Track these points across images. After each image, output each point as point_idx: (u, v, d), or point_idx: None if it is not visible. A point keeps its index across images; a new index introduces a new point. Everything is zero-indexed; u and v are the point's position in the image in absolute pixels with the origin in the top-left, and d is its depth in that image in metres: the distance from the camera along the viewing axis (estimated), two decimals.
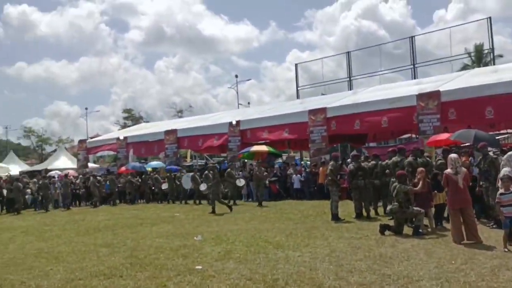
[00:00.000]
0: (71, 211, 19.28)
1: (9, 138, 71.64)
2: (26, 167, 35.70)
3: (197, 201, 18.53)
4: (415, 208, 9.02)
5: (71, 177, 23.48)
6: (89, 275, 6.71)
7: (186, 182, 19.20)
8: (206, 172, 17.77)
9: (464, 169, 8.23)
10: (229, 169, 18.22)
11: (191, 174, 19.45)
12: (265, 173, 18.09)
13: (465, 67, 32.80)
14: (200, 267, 6.85)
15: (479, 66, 31.20)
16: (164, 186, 20.29)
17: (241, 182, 17.81)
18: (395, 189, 9.16)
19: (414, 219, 9.01)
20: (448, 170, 8.22)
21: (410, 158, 10.62)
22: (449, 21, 68.18)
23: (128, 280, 6.34)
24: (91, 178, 21.80)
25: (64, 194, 20.96)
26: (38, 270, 7.28)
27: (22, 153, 62.98)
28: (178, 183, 19.85)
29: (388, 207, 9.60)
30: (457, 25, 32.15)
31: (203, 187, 17.56)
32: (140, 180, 21.71)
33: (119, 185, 21.80)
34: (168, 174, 20.56)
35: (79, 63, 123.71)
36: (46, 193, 20.56)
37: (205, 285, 5.85)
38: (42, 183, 20.64)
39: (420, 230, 8.85)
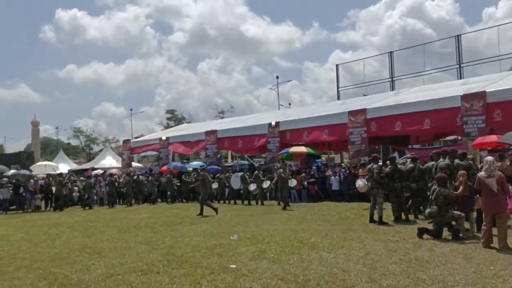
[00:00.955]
0: (115, 209, 19.93)
1: (60, 137, 75.11)
2: (74, 166, 37.24)
3: (247, 201, 18.54)
4: (455, 212, 8.78)
5: (116, 176, 24.27)
6: (128, 271, 6.97)
7: (235, 182, 19.14)
8: (256, 172, 17.86)
9: (498, 173, 7.91)
10: (280, 170, 18.09)
11: (240, 174, 19.43)
12: (303, 174, 17.94)
13: None
14: (234, 266, 6.96)
15: None
16: (214, 185, 20.28)
17: (292, 183, 17.61)
18: (435, 192, 8.96)
19: (454, 223, 8.77)
20: (481, 173, 7.98)
21: (447, 160, 10.34)
22: (499, 19, 65.35)
23: (164, 276, 6.54)
24: (145, 176, 22.41)
25: (108, 193, 21.67)
26: (80, 264, 7.63)
27: (72, 152, 65.85)
28: (227, 183, 19.83)
29: (427, 211, 9.38)
30: (507, 23, 30.76)
31: (252, 187, 17.74)
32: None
33: (177, 184, 22.04)
34: (218, 174, 20.78)
35: (125, 65, 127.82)
36: (90, 192, 21.33)
37: (238, 283, 5.94)
38: (86, 182, 21.35)
39: (460, 235, 8.60)
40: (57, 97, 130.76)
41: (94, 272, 6.97)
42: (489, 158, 8.16)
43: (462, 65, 27.61)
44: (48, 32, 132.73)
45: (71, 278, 6.65)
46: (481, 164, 10.98)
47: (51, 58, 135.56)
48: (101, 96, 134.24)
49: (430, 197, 9.16)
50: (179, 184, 22.05)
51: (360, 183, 15.17)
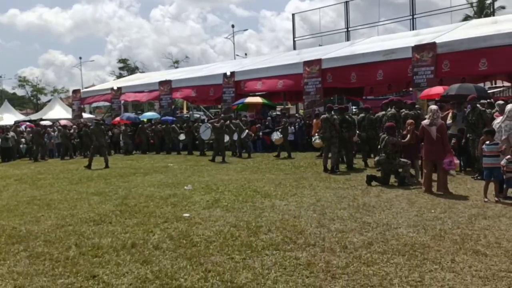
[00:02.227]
0: (65, 161, 19.38)
1: (4, 87, 71.13)
2: (21, 117, 35.58)
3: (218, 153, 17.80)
4: (402, 159, 9.15)
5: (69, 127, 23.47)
6: (79, 221, 6.89)
7: (205, 133, 17.98)
8: (228, 122, 17.55)
9: (440, 121, 8.27)
10: (238, 121, 17.80)
11: (210, 124, 18.13)
12: (258, 125, 17.76)
13: (466, 18, 32.22)
14: (187, 214, 7.03)
15: (480, 17, 30.64)
16: (182, 136, 19.76)
17: (244, 133, 17.56)
18: (384, 140, 9.25)
19: (400, 170, 9.15)
20: (425, 122, 8.30)
21: (393, 110, 10.64)
22: None
23: (116, 226, 6.52)
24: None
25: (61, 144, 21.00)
26: (29, 216, 7.46)
27: (18, 102, 62.61)
28: (196, 134, 19.02)
29: (376, 159, 9.73)
30: None
31: (225, 138, 17.38)
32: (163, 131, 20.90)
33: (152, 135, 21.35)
34: (184, 125, 20.19)
35: (72, 10, 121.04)
36: (40, 143, 20.51)
37: (191, 231, 6.02)
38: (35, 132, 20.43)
39: (406, 181, 9.02)
40: None
41: (43, 224, 6.85)
42: (433, 107, 8.46)
43: (415, 16, 27.98)
44: None
45: (19, 230, 6.51)
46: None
47: None
48: (48, 43, 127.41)
49: (380, 145, 9.47)
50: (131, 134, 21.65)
51: (276, 136, 15.45)
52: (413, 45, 16.04)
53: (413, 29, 26.56)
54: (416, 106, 12.05)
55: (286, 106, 30.07)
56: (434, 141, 8.09)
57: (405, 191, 8.37)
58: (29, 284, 4.39)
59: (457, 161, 8.57)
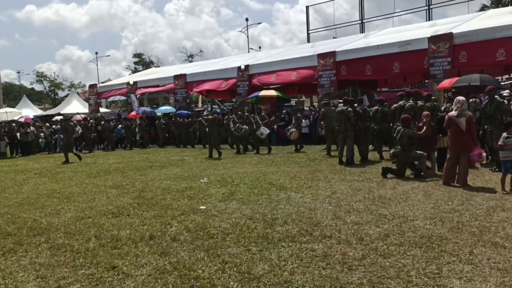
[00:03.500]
0: (83, 154, 19.62)
1: (22, 82, 72.28)
2: (39, 112, 36.16)
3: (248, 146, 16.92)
4: (418, 151, 9.08)
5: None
6: (98, 214, 7.01)
7: (263, 130, 16.00)
8: (253, 114, 17.39)
9: (468, 113, 8.11)
10: (233, 115, 17.74)
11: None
12: (273, 118, 17.72)
13: (483, 8, 31.69)
14: (204, 207, 7.10)
15: (497, 7, 30.07)
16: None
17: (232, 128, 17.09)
18: (399, 133, 9.19)
19: (416, 163, 9.09)
20: (452, 113, 8.14)
21: (411, 102, 10.55)
22: None
23: (134, 218, 6.62)
24: (114, 122, 22.27)
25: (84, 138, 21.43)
26: (50, 209, 7.61)
27: (36, 97, 63.65)
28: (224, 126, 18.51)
29: (391, 151, 9.67)
30: None
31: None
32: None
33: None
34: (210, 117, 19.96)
35: (88, 6, 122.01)
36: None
37: (207, 223, 6.08)
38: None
39: (422, 173, 8.95)
40: (17, 40, 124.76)
41: (63, 216, 6.98)
42: (461, 98, 8.17)
43: (431, 6, 27.58)
44: None
45: (40, 222, 6.65)
46: (444, 105, 11.26)
47: None
48: (65, 39, 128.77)
49: (395, 137, 9.40)
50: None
51: (264, 131, 15.20)
52: (429, 36, 15.83)
53: (429, 20, 26.19)
54: (432, 97, 11.92)
55: (301, 99, 30.00)
56: (463, 132, 7.91)
57: (421, 183, 8.32)
58: (51, 275, 4.49)
59: (484, 154, 8.42)
